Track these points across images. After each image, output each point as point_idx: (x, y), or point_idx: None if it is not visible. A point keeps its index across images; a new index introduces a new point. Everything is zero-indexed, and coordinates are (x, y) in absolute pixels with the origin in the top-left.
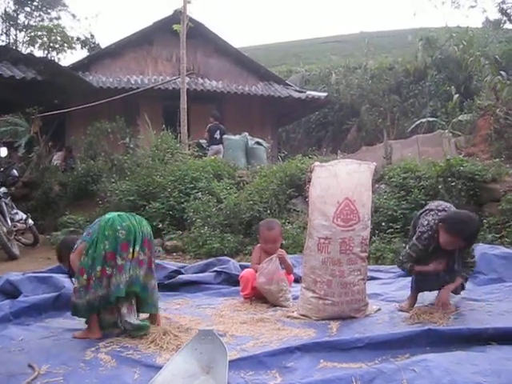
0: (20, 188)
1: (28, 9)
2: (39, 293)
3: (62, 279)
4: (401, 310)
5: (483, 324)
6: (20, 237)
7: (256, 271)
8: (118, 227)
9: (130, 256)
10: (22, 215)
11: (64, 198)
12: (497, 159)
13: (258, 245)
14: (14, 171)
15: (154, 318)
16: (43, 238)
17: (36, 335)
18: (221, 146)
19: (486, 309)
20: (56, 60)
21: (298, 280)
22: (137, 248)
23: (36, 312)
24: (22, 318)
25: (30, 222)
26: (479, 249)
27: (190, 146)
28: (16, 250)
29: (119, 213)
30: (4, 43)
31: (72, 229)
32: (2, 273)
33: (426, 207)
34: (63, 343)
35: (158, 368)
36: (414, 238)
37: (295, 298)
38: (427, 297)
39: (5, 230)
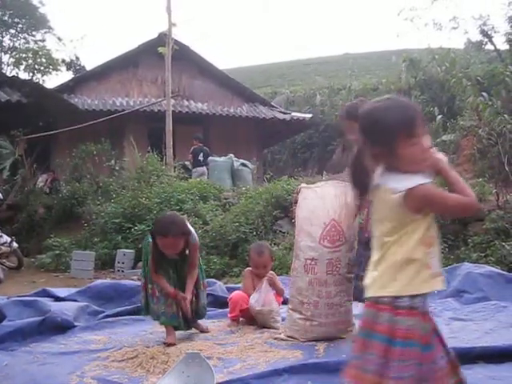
0: (4, 211)
1: (13, 31)
2: (24, 317)
3: (48, 303)
4: None
5: (470, 343)
6: (4, 260)
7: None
8: None
9: None
10: (6, 238)
11: (49, 220)
12: (480, 179)
13: (248, 269)
14: None
15: None
16: (28, 262)
17: (21, 360)
18: (205, 168)
19: (472, 327)
20: (41, 82)
21: (285, 302)
22: None
23: (21, 336)
24: (7, 342)
25: (15, 245)
26: (464, 268)
27: (175, 167)
28: (0, 274)
29: None
30: None
31: (57, 252)
32: None
33: None
34: (48, 368)
35: None
36: None
37: (282, 319)
38: None
39: None
